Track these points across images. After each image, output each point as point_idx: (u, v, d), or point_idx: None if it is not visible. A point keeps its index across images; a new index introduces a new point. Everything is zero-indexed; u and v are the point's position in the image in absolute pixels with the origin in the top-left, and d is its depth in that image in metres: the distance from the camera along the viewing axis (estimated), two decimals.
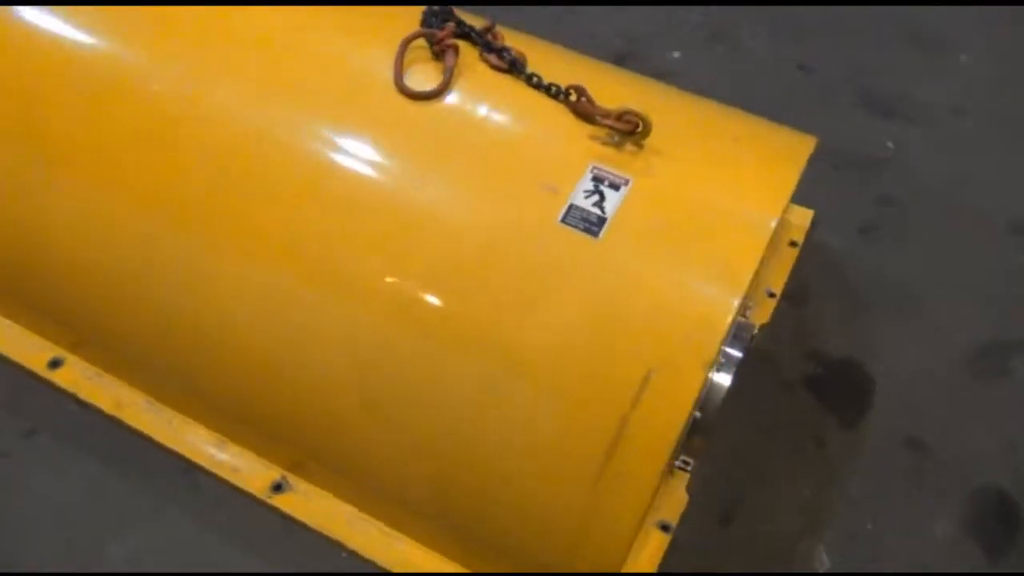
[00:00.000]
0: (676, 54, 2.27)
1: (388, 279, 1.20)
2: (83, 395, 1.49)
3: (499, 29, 1.41)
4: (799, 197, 1.87)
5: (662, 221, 1.17)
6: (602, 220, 1.16)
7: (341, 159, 1.26)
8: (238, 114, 1.30)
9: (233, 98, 1.30)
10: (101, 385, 1.51)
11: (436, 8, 1.41)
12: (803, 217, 1.85)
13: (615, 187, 1.19)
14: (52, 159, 1.35)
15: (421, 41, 1.34)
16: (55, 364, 1.53)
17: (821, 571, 1.44)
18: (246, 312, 1.26)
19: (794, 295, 1.73)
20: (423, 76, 1.31)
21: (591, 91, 1.27)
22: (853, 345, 1.67)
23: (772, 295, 1.71)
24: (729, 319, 1.10)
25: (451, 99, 1.29)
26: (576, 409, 1.12)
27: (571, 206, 1.18)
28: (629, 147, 1.23)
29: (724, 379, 1.31)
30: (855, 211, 1.92)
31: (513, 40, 1.41)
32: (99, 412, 1.48)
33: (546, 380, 1.13)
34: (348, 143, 1.27)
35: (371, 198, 1.23)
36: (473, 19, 1.45)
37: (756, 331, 1.48)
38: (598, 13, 2.36)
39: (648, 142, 1.23)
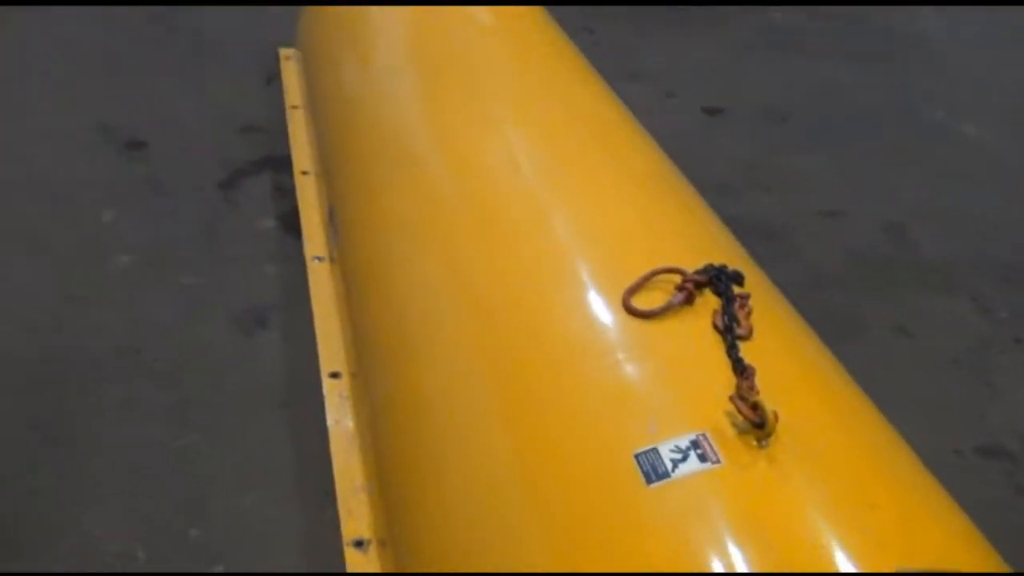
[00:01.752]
0: None
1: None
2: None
3: (753, 303, 1.45)
4: None
5: (709, 513, 1.11)
6: (665, 475, 1.15)
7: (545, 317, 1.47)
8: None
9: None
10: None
11: (734, 288, 1.50)
12: None
13: (703, 459, 1.16)
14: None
15: None
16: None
17: None
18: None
19: None
20: (653, 298, 1.42)
21: (788, 374, 1.33)
22: None
23: None
24: None
25: (651, 327, 1.38)
26: None
27: (653, 450, 1.19)
28: (751, 438, 1.19)
29: None
30: None
31: (765, 310, 1.45)
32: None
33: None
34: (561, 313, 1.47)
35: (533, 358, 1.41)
36: (758, 282, 1.53)
37: None
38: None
39: (774, 443, 1.18)
